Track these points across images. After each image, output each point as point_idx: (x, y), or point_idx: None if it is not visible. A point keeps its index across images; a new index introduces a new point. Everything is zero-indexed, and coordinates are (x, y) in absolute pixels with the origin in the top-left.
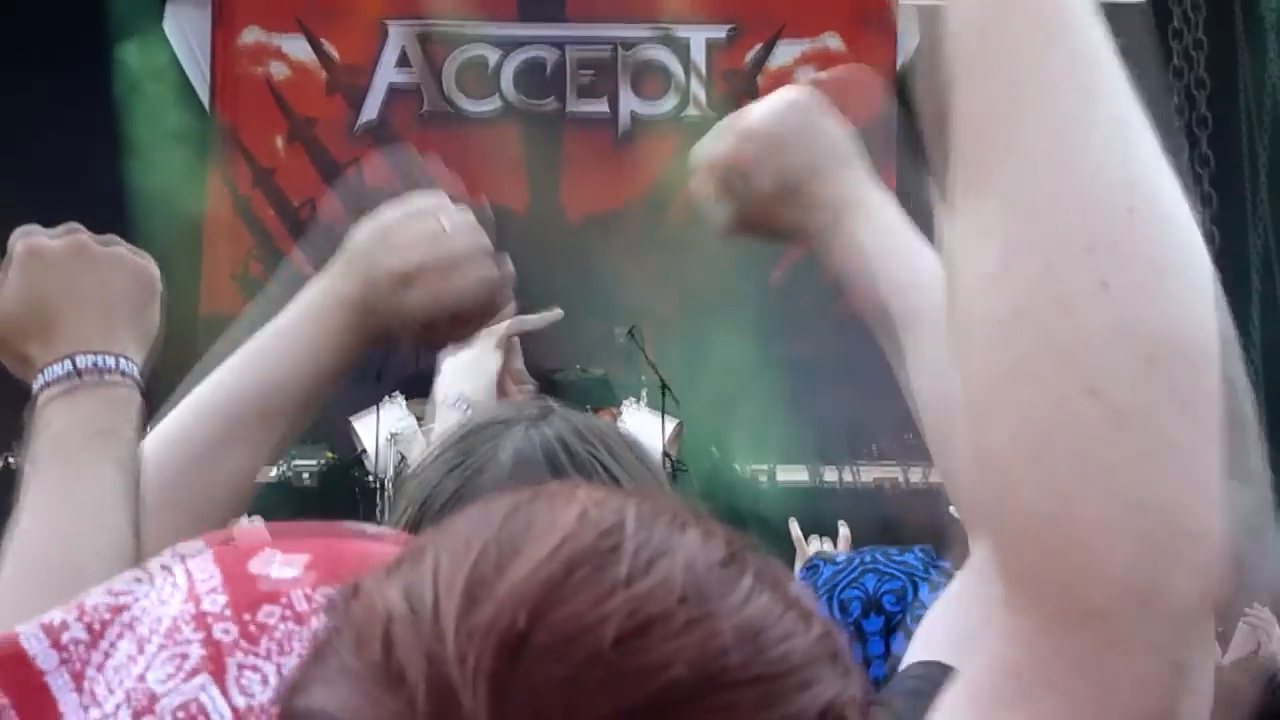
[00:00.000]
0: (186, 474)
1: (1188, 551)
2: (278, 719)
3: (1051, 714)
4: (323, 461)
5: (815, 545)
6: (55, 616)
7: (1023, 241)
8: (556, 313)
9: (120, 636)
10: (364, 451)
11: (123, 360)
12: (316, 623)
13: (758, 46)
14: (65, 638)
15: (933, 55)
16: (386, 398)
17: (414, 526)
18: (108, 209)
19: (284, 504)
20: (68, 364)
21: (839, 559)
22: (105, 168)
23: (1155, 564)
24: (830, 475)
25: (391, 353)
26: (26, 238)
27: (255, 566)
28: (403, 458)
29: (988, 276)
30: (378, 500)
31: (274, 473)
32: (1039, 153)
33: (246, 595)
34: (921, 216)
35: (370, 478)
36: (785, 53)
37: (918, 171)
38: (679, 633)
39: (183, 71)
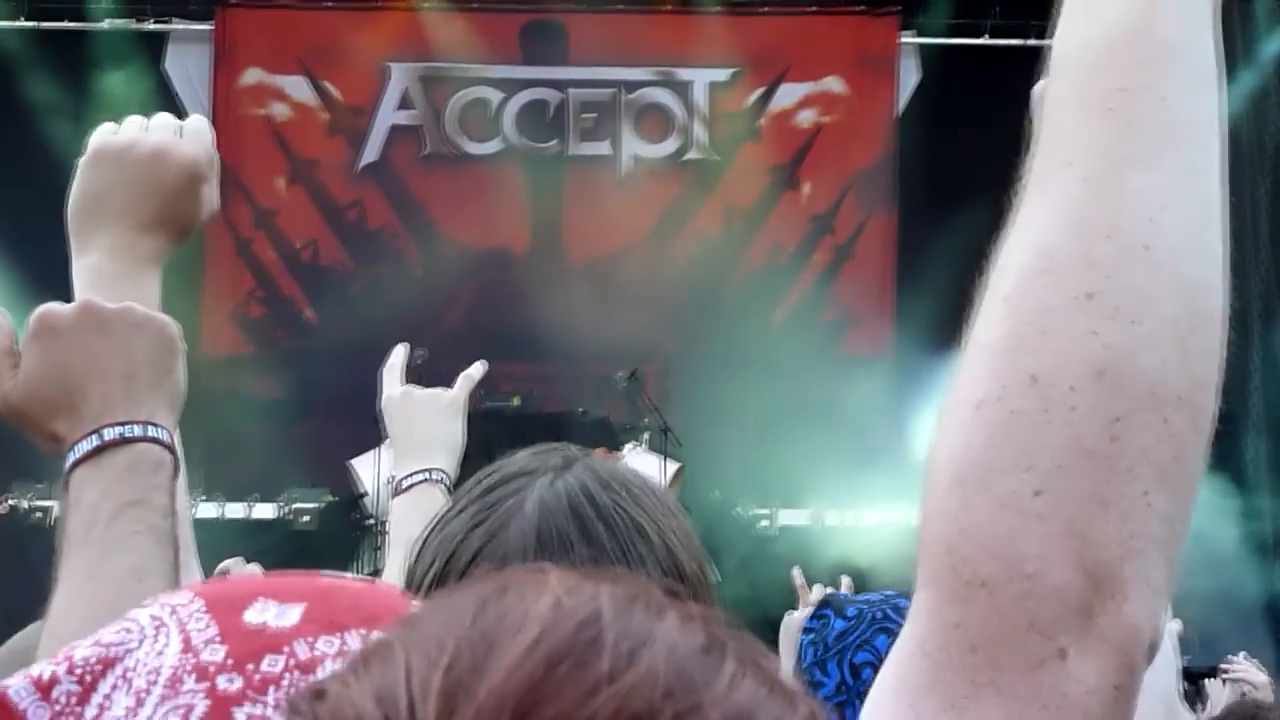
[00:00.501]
0: None
1: (1078, 550)
2: None
3: (958, 694)
4: (322, 503)
5: (818, 595)
6: (44, 669)
7: (1034, 271)
8: (482, 364)
9: (115, 689)
10: (364, 494)
11: (150, 427)
12: (323, 671)
13: (760, 89)
14: (56, 691)
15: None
16: (386, 440)
17: (439, 581)
18: None
19: (283, 545)
20: (94, 439)
21: (849, 610)
22: None
23: (1046, 550)
24: (832, 518)
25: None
26: (41, 309)
27: (252, 616)
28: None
29: (1000, 295)
30: (376, 541)
31: (273, 514)
32: (1068, 203)
33: (248, 646)
34: (927, 259)
35: (369, 520)
36: (787, 95)
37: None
38: None
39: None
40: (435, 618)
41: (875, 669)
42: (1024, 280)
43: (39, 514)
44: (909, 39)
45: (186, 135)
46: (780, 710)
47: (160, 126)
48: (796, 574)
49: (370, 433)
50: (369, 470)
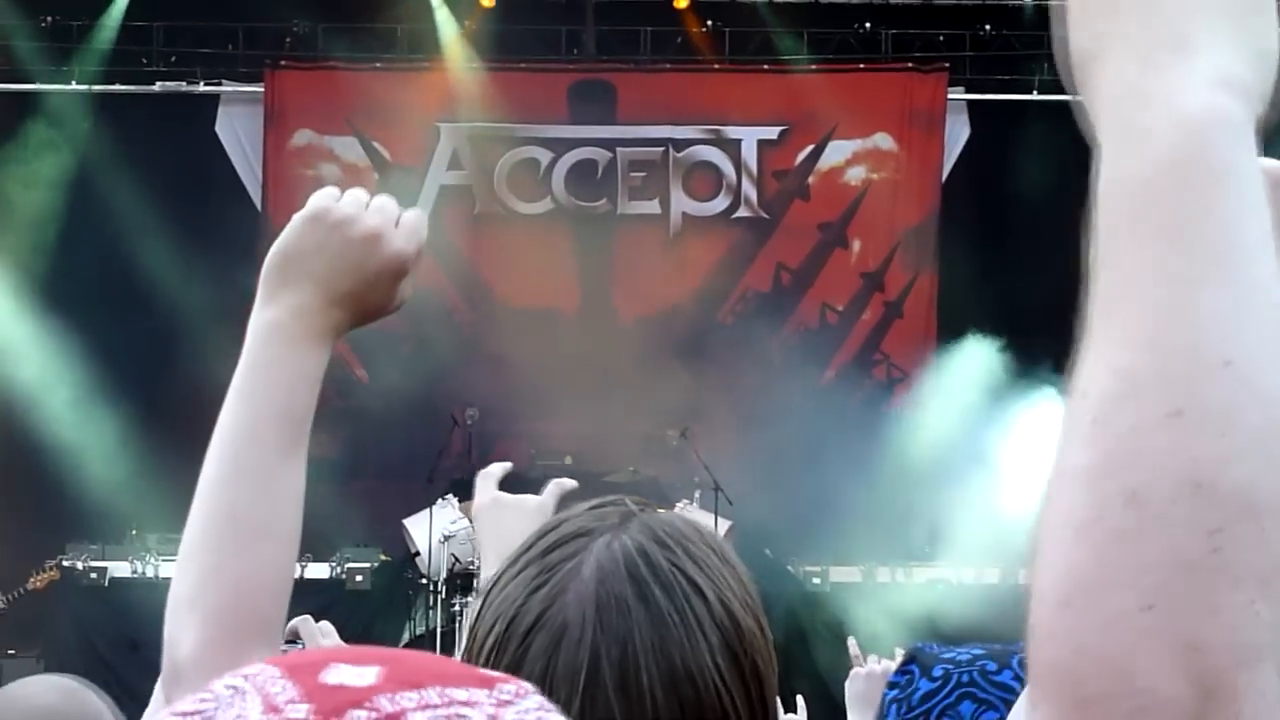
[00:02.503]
0: (260, 508)
1: (1189, 662)
2: None
3: None
4: (375, 563)
5: (874, 665)
6: None
7: (1117, 393)
8: (570, 483)
9: None
10: (417, 553)
11: None
12: None
13: (809, 146)
14: None
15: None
16: (440, 500)
17: (499, 645)
18: (161, 310)
19: (338, 604)
20: None
21: (935, 670)
22: (156, 268)
23: (1157, 664)
24: (883, 576)
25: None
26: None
27: (329, 678)
28: (456, 560)
29: (1085, 420)
30: (430, 600)
31: (328, 573)
32: (1141, 325)
33: (330, 702)
34: (961, 315)
35: (423, 579)
36: (836, 152)
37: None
38: None
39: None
40: None
41: None
42: (1108, 402)
43: (94, 574)
44: (957, 95)
45: (403, 227)
46: None
47: (380, 210)
48: (852, 645)
49: (422, 492)
50: (422, 530)
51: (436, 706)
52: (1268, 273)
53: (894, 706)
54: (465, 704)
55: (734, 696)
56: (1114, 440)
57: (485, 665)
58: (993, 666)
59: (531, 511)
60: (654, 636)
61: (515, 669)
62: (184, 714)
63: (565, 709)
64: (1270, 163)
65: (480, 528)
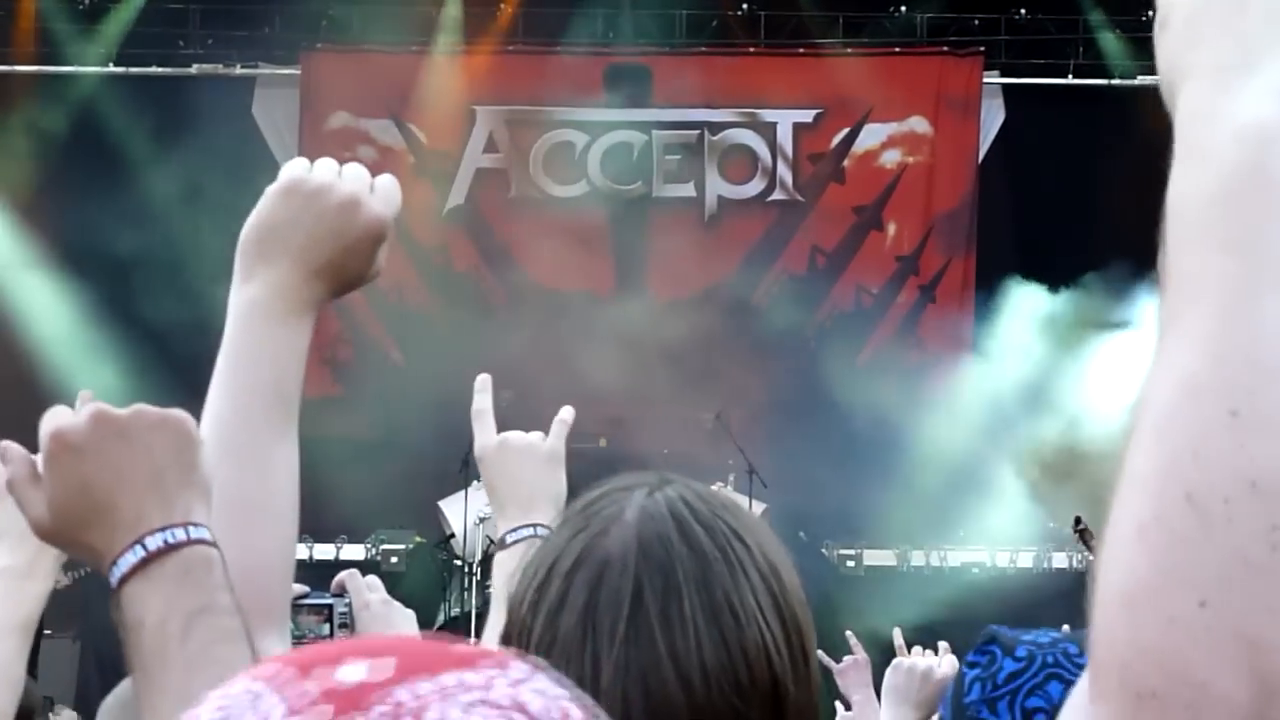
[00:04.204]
0: (254, 487)
1: (1247, 658)
2: None
3: None
4: (410, 544)
5: (919, 658)
6: None
7: (1178, 399)
8: (570, 409)
9: None
10: (452, 535)
11: (191, 528)
12: (431, 714)
13: (845, 130)
14: None
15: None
16: (475, 481)
17: (541, 586)
18: (193, 292)
19: None
20: (138, 550)
21: (1019, 650)
22: (193, 251)
23: (1215, 659)
24: (918, 559)
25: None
26: (51, 426)
27: (346, 675)
28: (491, 541)
29: (1147, 427)
30: (465, 582)
31: (363, 555)
32: (1204, 334)
33: (349, 700)
34: (996, 297)
35: (458, 560)
36: (872, 136)
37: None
38: None
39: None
40: None
41: (1047, 715)
42: (1169, 409)
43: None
44: (992, 79)
45: (378, 192)
46: None
47: (354, 177)
48: (897, 635)
49: (457, 473)
50: (457, 511)
51: (452, 690)
52: None
53: (976, 685)
54: (481, 687)
55: (775, 637)
56: (1173, 444)
57: (525, 610)
58: (1075, 649)
59: (543, 457)
60: (696, 570)
61: (558, 607)
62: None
63: (609, 639)
64: None
65: (489, 473)
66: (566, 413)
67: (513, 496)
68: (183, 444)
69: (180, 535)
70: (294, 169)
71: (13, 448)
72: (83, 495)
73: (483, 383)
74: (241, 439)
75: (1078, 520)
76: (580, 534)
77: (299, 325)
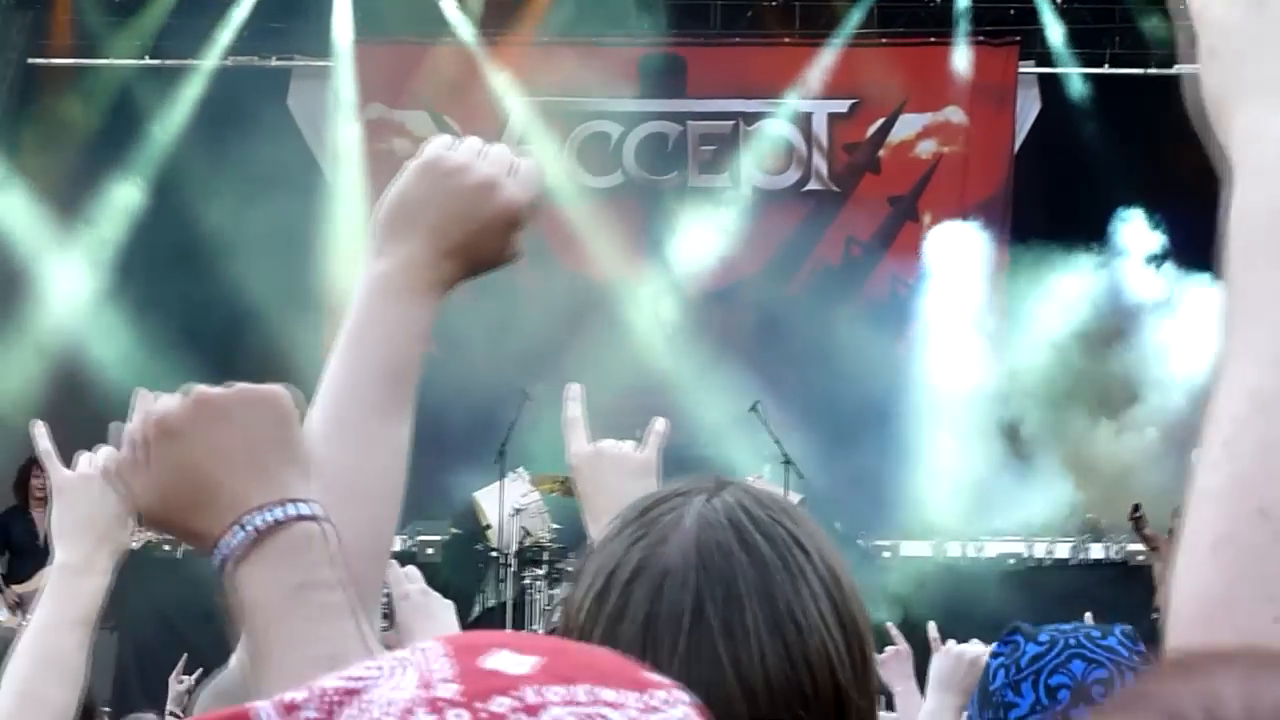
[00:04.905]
0: (355, 466)
1: None
2: None
3: None
4: (446, 536)
5: (966, 645)
6: (295, 695)
7: (1246, 414)
8: (665, 421)
9: (352, 718)
10: (487, 526)
11: (291, 505)
12: (547, 716)
13: (880, 120)
14: (298, 715)
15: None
16: (511, 473)
17: (600, 596)
18: (234, 286)
19: None
20: (241, 531)
21: (1041, 636)
22: (229, 241)
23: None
24: (954, 550)
25: (514, 428)
26: (147, 413)
27: (488, 662)
28: (527, 533)
29: (1218, 442)
30: (500, 574)
31: (399, 546)
32: (1269, 347)
33: (480, 685)
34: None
35: (493, 552)
36: (907, 126)
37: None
38: None
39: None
40: None
41: (1070, 691)
42: (1238, 424)
43: (166, 546)
44: (1028, 69)
45: (519, 175)
46: None
47: (496, 159)
48: (932, 628)
49: (492, 465)
50: (493, 503)
51: (581, 704)
52: None
53: (1000, 671)
54: (611, 705)
55: (837, 645)
56: (1243, 459)
57: (584, 619)
58: (1098, 633)
59: (636, 469)
60: (758, 580)
61: (617, 618)
62: (353, 678)
63: (670, 652)
64: None
65: (582, 482)
66: (661, 423)
67: (606, 506)
68: (281, 420)
69: (282, 513)
70: (435, 146)
71: (122, 430)
72: (185, 478)
73: (574, 392)
74: (349, 415)
75: (1136, 507)
76: (638, 543)
77: (423, 305)
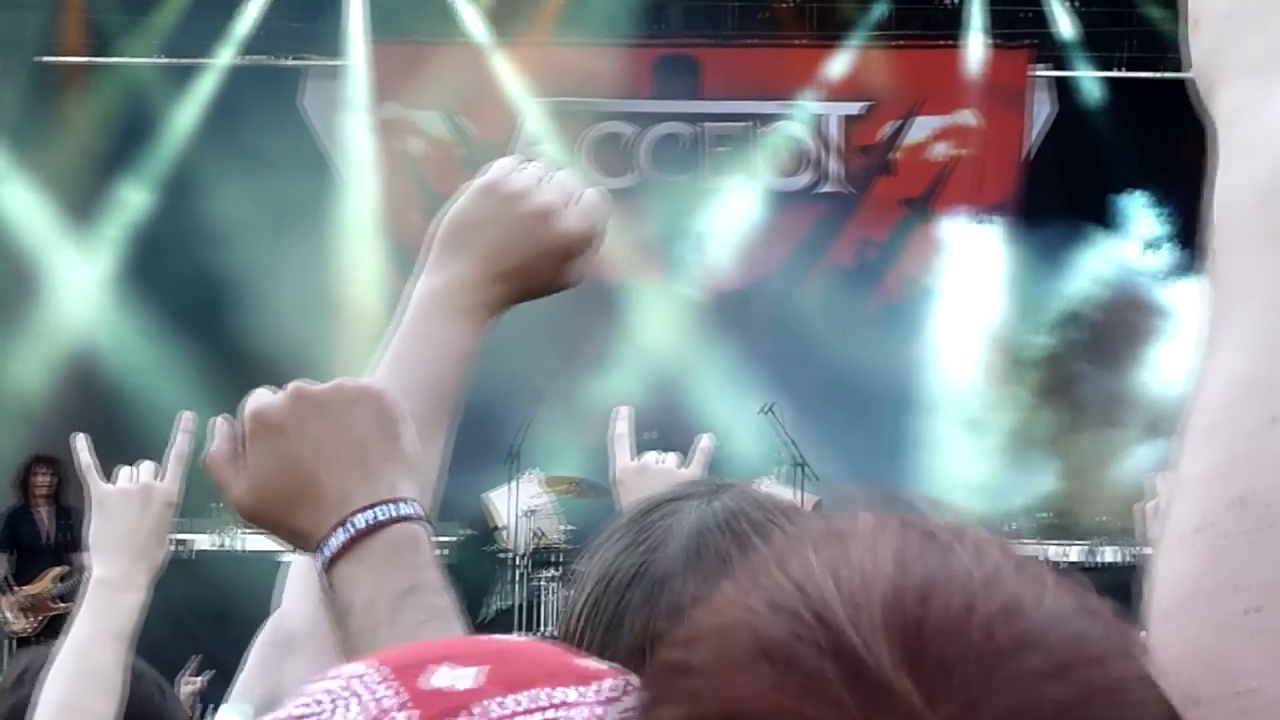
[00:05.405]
0: None
1: None
2: None
3: None
4: (457, 536)
5: None
6: None
7: (1229, 400)
8: (711, 437)
9: None
10: (497, 527)
11: (396, 505)
12: None
13: (893, 122)
14: None
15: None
16: (524, 473)
17: (597, 603)
18: (246, 285)
19: None
20: (345, 530)
21: None
22: (240, 239)
23: (1262, 666)
24: None
25: (527, 429)
26: (251, 406)
27: (433, 681)
28: (538, 534)
29: (1200, 428)
30: (511, 575)
31: None
32: (1255, 331)
33: (437, 708)
34: (1041, 294)
35: (505, 553)
36: (920, 128)
37: None
38: None
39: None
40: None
41: None
42: (1221, 410)
43: (178, 547)
44: (1042, 72)
45: (580, 206)
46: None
47: (558, 187)
48: None
49: (504, 466)
50: (504, 504)
51: (544, 709)
52: None
53: None
54: (570, 704)
55: None
56: (1224, 446)
57: (583, 625)
58: None
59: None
60: None
61: (615, 624)
62: (295, 718)
63: None
64: None
65: (627, 496)
66: (707, 440)
67: None
68: (384, 417)
69: (387, 513)
70: (500, 167)
71: (221, 424)
72: (285, 475)
73: (623, 411)
74: None
75: None
76: (636, 548)
77: (470, 326)
